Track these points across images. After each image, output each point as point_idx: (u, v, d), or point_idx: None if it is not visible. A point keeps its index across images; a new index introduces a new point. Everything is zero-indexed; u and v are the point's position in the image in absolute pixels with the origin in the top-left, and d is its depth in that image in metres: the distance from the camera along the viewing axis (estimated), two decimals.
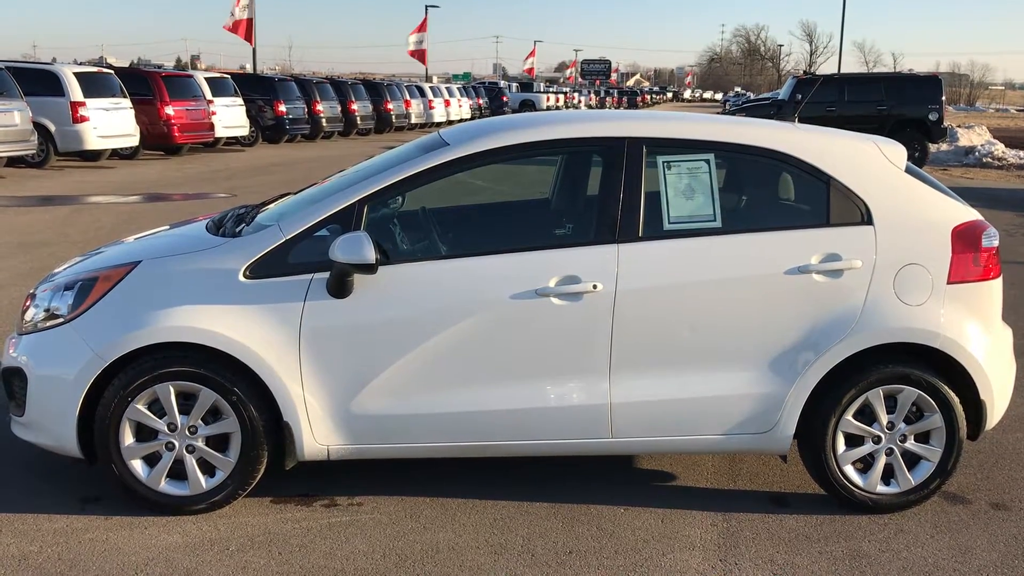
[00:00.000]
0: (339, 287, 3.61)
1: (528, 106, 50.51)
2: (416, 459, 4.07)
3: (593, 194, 4.12)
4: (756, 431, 3.83)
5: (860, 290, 3.77)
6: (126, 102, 18.26)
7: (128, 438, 3.69)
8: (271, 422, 3.70)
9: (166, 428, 3.70)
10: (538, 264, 3.71)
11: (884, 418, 3.84)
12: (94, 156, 18.34)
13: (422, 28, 44.32)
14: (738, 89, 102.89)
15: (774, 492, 4.13)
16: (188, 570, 3.37)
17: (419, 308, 3.67)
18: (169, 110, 19.79)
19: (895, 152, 4.00)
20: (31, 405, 3.76)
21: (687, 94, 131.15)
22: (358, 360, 3.68)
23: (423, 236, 4.22)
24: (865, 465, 3.90)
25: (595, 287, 3.68)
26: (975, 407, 3.86)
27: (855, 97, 20.69)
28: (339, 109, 28.44)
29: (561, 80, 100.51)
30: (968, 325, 3.82)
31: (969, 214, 3.94)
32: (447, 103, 38.06)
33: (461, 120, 37.19)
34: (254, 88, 24.78)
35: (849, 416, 3.82)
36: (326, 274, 3.62)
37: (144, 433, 3.72)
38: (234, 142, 23.92)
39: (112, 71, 19.47)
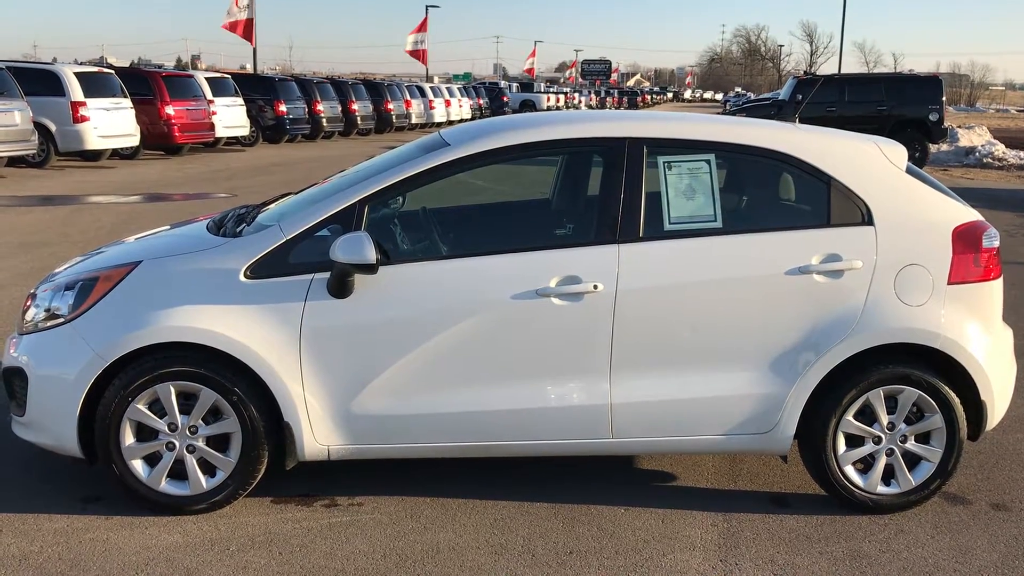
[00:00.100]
0: (340, 287, 3.61)
1: (528, 106, 50.51)
2: (417, 459, 4.08)
3: (594, 194, 4.12)
4: (756, 431, 3.83)
5: (861, 290, 3.77)
6: (126, 102, 18.26)
7: (129, 438, 3.69)
8: (272, 422, 3.70)
9: (167, 428, 3.70)
10: (539, 264, 3.71)
11: (884, 418, 3.84)
12: (94, 156, 18.35)
13: (422, 28, 44.31)
14: (738, 89, 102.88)
15: (774, 492, 4.13)
16: (189, 570, 3.37)
17: (420, 308, 3.67)
18: (169, 110, 19.79)
19: (896, 152, 4.00)
20: (32, 405, 3.77)
21: (687, 94, 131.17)
22: (359, 360, 3.68)
23: (424, 236, 4.22)
24: (865, 465, 3.90)
25: (596, 287, 3.68)
26: (975, 408, 3.86)
27: (855, 97, 20.69)
28: (339, 109, 28.44)
29: (561, 80, 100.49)
30: (969, 326, 3.82)
31: (970, 215, 3.95)
32: (447, 103, 38.07)
33: (462, 120, 37.19)
34: (254, 88, 24.78)
35: (850, 416, 3.82)
36: (327, 274, 3.62)
37: (145, 433, 3.72)
38: (234, 142, 23.92)
39: (112, 71, 19.47)
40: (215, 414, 3.71)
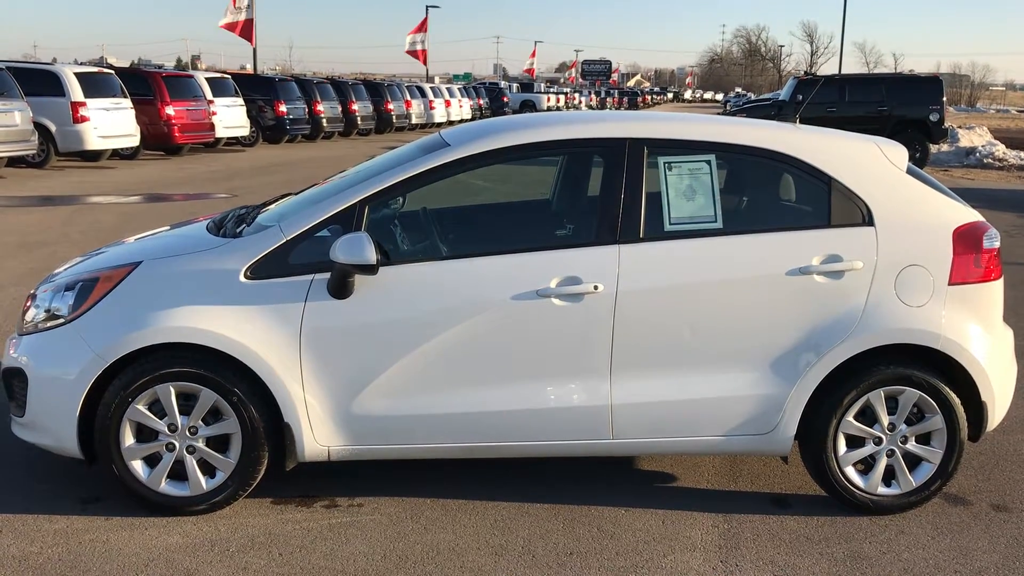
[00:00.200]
0: (340, 288, 3.61)
1: (529, 107, 50.51)
2: (417, 460, 4.07)
3: (594, 195, 4.12)
4: (757, 432, 3.82)
5: (861, 291, 3.77)
6: (127, 102, 18.26)
7: (128, 439, 3.69)
8: (272, 423, 3.70)
9: (167, 429, 3.70)
10: (539, 265, 3.71)
11: (885, 419, 3.84)
12: (94, 156, 18.34)
13: (422, 28, 44.32)
14: (739, 90, 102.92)
15: (775, 493, 4.13)
16: (189, 571, 3.36)
17: (420, 309, 3.67)
18: (170, 110, 19.79)
19: (896, 153, 4.00)
20: (32, 405, 3.76)
21: (688, 95, 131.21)
22: (359, 361, 3.67)
23: (424, 237, 4.22)
24: (866, 466, 3.90)
25: (596, 288, 3.67)
26: (976, 408, 3.86)
27: (856, 98, 20.69)
28: (340, 109, 28.44)
29: (562, 80, 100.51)
30: (969, 326, 3.81)
31: (970, 215, 3.94)
32: (448, 103, 38.07)
33: (462, 121, 37.20)
34: (255, 88, 24.77)
35: (850, 417, 3.82)
36: (327, 275, 3.62)
37: (144, 434, 3.72)
38: (234, 142, 23.92)
39: (113, 71, 19.47)
40: (215, 415, 3.71)
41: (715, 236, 3.79)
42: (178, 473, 3.74)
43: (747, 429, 3.82)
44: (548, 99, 54.32)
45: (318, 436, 3.72)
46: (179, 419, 3.69)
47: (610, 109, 65.65)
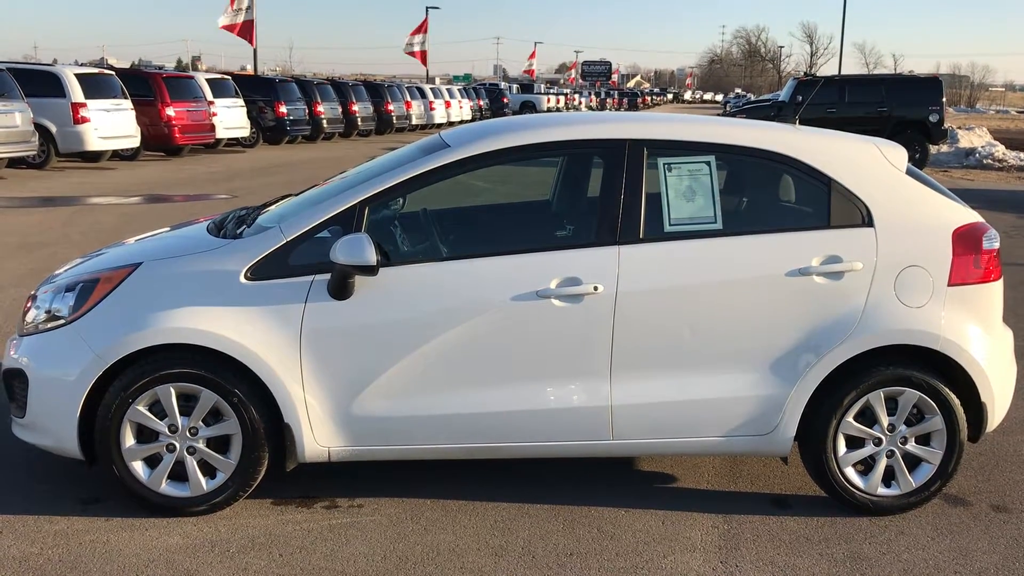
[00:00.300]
0: (340, 289, 3.61)
1: (529, 107, 50.51)
2: (417, 461, 4.08)
3: (594, 196, 4.12)
4: (757, 433, 3.83)
5: (861, 292, 3.77)
6: (127, 103, 18.26)
7: (129, 439, 3.69)
8: (272, 424, 3.70)
9: (167, 430, 3.70)
10: (539, 266, 3.71)
11: (885, 420, 3.84)
12: (95, 157, 18.34)
13: (423, 29, 44.33)
14: (738, 90, 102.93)
15: (775, 494, 4.13)
16: (189, 571, 3.37)
17: (420, 310, 3.67)
18: (170, 111, 19.79)
19: (896, 154, 4.00)
20: (32, 406, 3.77)
21: (687, 95, 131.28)
22: (359, 362, 3.68)
23: (424, 238, 4.23)
24: (866, 467, 3.90)
25: (596, 289, 3.68)
26: (976, 409, 3.86)
27: (855, 98, 20.69)
28: (340, 110, 28.44)
29: (562, 81, 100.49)
30: (969, 327, 3.82)
31: (970, 216, 3.95)
32: (448, 104, 38.06)
33: (462, 121, 37.21)
34: (255, 89, 24.77)
35: (850, 418, 3.82)
36: (327, 276, 3.62)
37: (145, 434, 3.72)
38: (235, 143, 23.92)
39: (113, 72, 19.47)
40: (215, 416, 3.71)
41: (715, 237, 3.79)
42: (178, 474, 3.75)
43: (747, 430, 3.82)
44: (548, 100, 54.33)
45: (318, 437, 3.73)
46: (179, 420, 3.69)
47: (610, 110, 65.66)
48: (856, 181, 3.85)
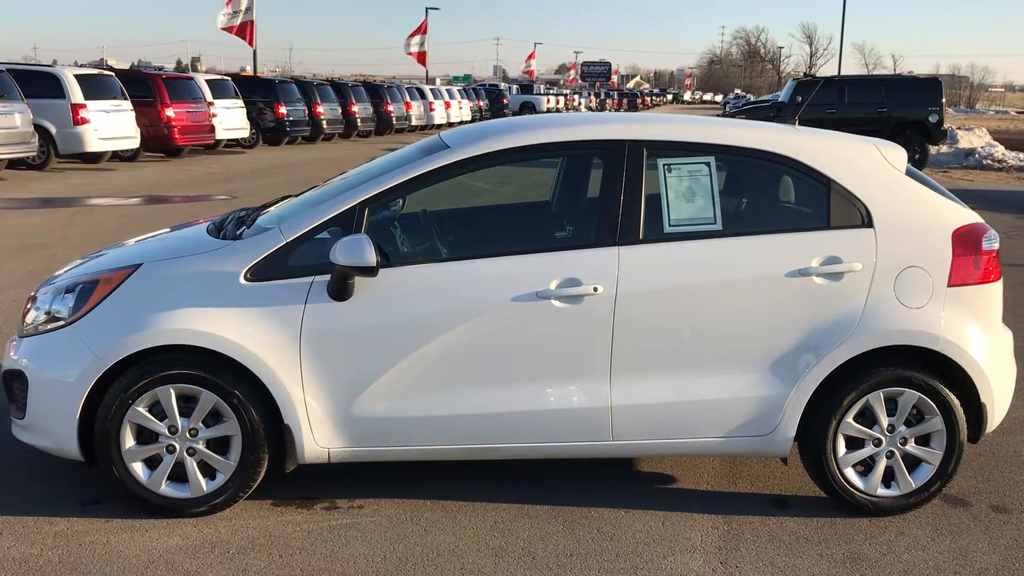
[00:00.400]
0: (340, 290, 3.61)
1: (528, 108, 50.52)
2: (417, 461, 4.07)
3: (593, 196, 4.12)
4: (757, 434, 3.83)
5: (860, 293, 3.77)
6: (127, 104, 18.26)
7: (129, 441, 3.69)
8: (272, 425, 3.70)
9: (167, 431, 3.70)
10: (539, 267, 3.71)
11: (885, 421, 3.84)
12: (95, 158, 18.34)
13: (422, 30, 44.34)
14: (738, 91, 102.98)
15: (775, 494, 4.13)
16: (189, 572, 3.37)
17: (420, 311, 3.67)
18: (170, 112, 19.79)
19: (895, 155, 4.00)
20: (32, 408, 3.77)
21: (687, 96, 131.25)
22: (359, 363, 3.68)
23: (424, 239, 4.23)
24: (865, 468, 3.90)
25: (596, 290, 3.68)
26: (976, 410, 3.86)
27: (855, 99, 20.69)
28: (339, 111, 28.43)
29: (561, 82, 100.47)
30: (968, 328, 3.82)
31: (969, 217, 3.95)
32: (447, 105, 38.07)
33: (462, 122, 37.21)
34: (255, 90, 24.77)
35: (850, 419, 3.82)
36: (327, 277, 3.62)
37: (145, 436, 3.72)
38: (234, 144, 23.91)
39: (113, 73, 19.48)
40: (215, 417, 3.71)
41: (714, 238, 3.79)
42: (178, 475, 3.75)
43: (747, 430, 3.82)
44: (548, 101, 54.35)
45: (318, 438, 3.73)
46: (179, 421, 3.69)
47: (609, 111, 65.66)
48: (856, 182, 3.85)
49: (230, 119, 22.40)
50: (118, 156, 19.42)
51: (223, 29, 30.16)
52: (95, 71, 19.19)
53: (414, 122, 34.11)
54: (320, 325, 3.64)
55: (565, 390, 3.75)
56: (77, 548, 3.52)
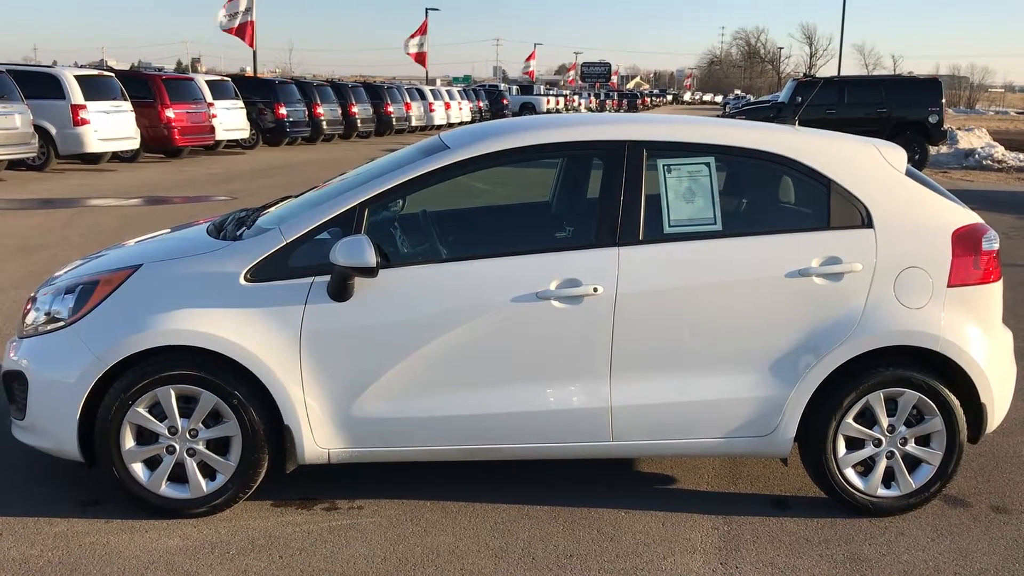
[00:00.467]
0: (340, 290, 3.61)
1: (528, 109, 50.51)
2: (417, 462, 4.07)
3: (593, 197, 4.12)
4: (757, 434, 3.83)
5: (860, 293, 3.77)
6: (127, 105, 18.26)
7: (129, 441, 3.69)
8: (272, 425, 3.70)
9: (167, 431, 3.70)
10: (538, 267, 3.71)
11: (885, 421, 3.84)
12: (95, 159, 18.34)
13: (422, 31, 44.35)
14: (738, 92, 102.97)
15: (775, 495, 4.13)
16: (189, 573, 3.37)
17: (420, 311, 3.68)
18: (170, 113, 19.79)
19: (895, 155, 4.01)
20: (32, 408, 3.77)
21: (687, 97, 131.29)
22: (359, 363, 3.68)
23: (424, 239, 4.23)
24: (866, 468, 3.90)
25: (596, 290, 3.68)
26: (976, 410, 3.86)
27: (855, 99, 20.70)
28: (339, 112, 28.44)
29: (561, 83, 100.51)
30: (968, 328, 3.82)
31: (969, 217, 3.95)
32: (447, 106, 38.07)
33: (462, 123, 37.22)
34: (255, 91, 24.78)
35: (850, 419, 3.82)
36: (327, 277, 3.62)
37: (145, 436, 3.72)
38: (234, 145, 23.92)
39: (113, 74, 19.48)
40: (215, 417, 3.71)
41: (714, 238, 3.79)
42: (178, 476, 3.75)
43: (747, 431, 3.82)
44: (548, 101, 54.34)
45: (318, 438, 3.73)
46: (179, 422, 3.69)
47: (609, 111, 65.69)
48: (855, 182, 3.85)
49: (230, 120, 22.40)
50: (118, 157, 19.42)
51: (225, 31, 30.17)
52: (95, 72, 19.21)
53: (414, 123, 34.10)
54: (320, 326, 3.64)
55: (565, 390, 3.75)
56: (77, 549, 3.52)
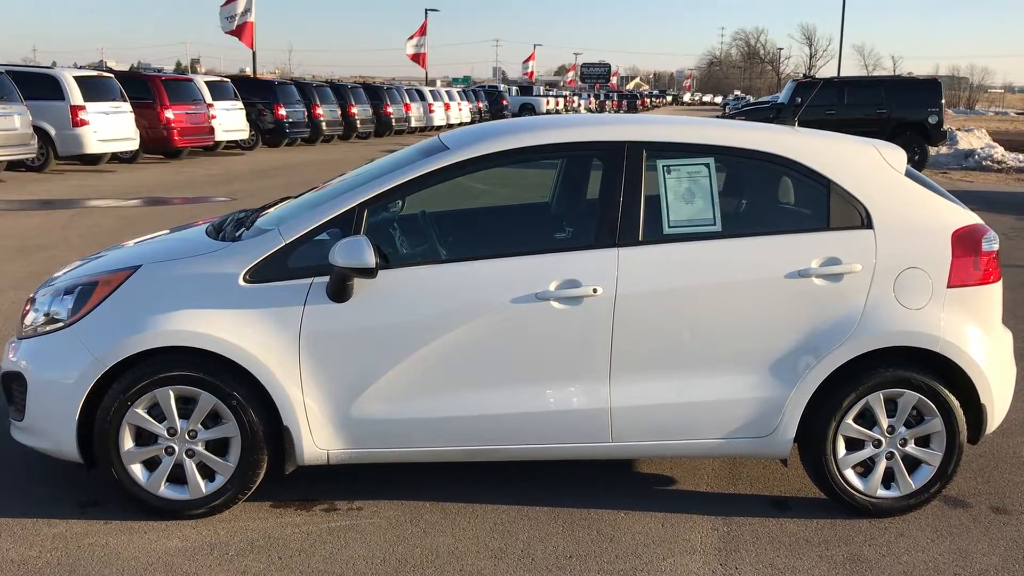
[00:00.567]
0: (339, 291, 3.61)
1: (528, 110, 50.53)
2: (416, 463, 4.07)
3: (593, 198, 4.12)
4: (756, 435, 3.82)
5: (860, 294, 3.77)
6: (126, 106, 18.26)
7: (128, 442, 3.69)
8: (271, 426, 3.70)
9: (166, 432, 3.69)
10: (538, 268, 3.71)
11: (884, 422, 3.84)
12: (94, 160, 18.34)
13: (422, 32, 44.37)
14: (737, 92, 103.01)
15: (774, 496, 4.13)
16: (188, 574, 3.36)
17: (419, 312, 3.67)
18: (169, 114, 19.79)
19: (895, 156, 4.00)
20: (31, 409, 3.76)
21: (687, 97, 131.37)
22: (358, 364, 3.67)
23: (423, 240, 4.22)
24: (865, 469, 3.90)
25: (595, 291, 3.68)
26: (975, 411, 3.86)
27: (855, 100, 20.70)
28: (339, 113, 28.44)
29: (561, 84, 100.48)
30: (968, 329, 3.81)
31: (969, 218, 3.95)
32: (447, 107, 38.07)
33: (461, 124, 37.21)
34: (254, 92, 24.78)
35: (849, 420, 3.82)
36: (326, 278, 3.62)
37: (144, 437, 3.72)
38: (234, 146, 23.92)
39: (112, 75, 19.48)
40: (214, 418, 3.70)
41: (714, 239, 3.79)
42: (177, 477, 3.74)
43: (746, 432, 3.82)
44: (547, 102, 54.35)
45: (317, 439, 3.72)
46: (178, 423, 3.69)
47: (609, 112, 65.70)
48: (855, 183, 3.85)
49: (229, 121, 22.40)
50: (117, 158, 19.42)
51: (225, 32, 30.18)
52: (94, 73, 19.20)
53: (413, 124, 34.11)
54: (319, 326, 3.63)
55: (565, 391, 3.75)
56: (76, 550, 3.52)
